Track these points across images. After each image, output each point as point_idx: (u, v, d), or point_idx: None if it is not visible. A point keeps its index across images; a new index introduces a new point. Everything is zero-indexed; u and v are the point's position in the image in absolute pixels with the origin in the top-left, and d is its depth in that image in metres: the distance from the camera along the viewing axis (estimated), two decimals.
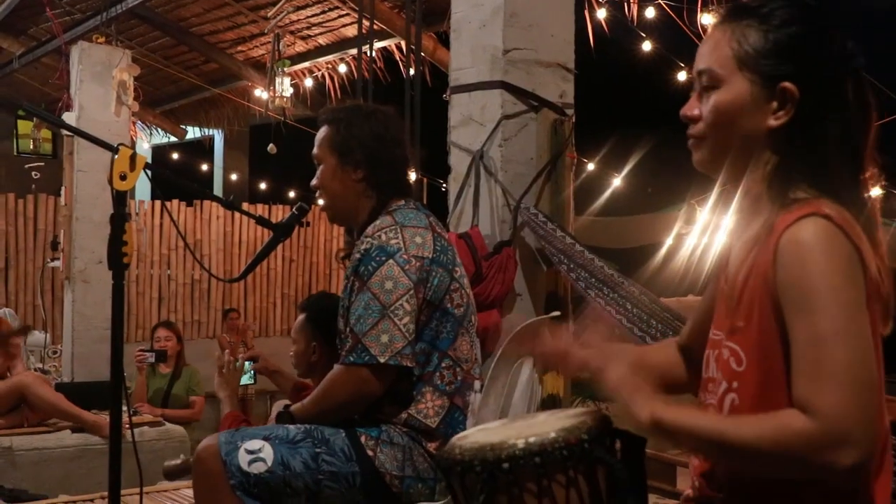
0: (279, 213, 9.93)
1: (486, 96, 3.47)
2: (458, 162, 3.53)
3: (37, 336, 7.14)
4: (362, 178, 2.31)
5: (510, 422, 1.53)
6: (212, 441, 2.13)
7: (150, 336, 6.38)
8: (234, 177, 10.99)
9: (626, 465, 1.36)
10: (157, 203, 9.93)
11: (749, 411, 1.27)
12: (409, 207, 2.29)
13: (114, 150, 2.13)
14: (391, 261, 2.12)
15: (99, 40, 6.79)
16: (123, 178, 2.11)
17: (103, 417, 4.97)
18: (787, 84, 1.31)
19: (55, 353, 7.10)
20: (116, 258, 2.08)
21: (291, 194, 10.48)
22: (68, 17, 7.24)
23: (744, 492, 1.31)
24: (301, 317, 2.83)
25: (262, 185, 11.13)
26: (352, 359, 2.09)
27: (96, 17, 6.73)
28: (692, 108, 1.40)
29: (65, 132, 6.48)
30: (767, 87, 1.32)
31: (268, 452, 2.07)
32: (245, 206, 10.21)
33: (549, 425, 1.35)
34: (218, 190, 11.30)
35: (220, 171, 11.08)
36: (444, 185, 4.65)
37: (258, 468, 2.06)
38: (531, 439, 1.30)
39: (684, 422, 1.27)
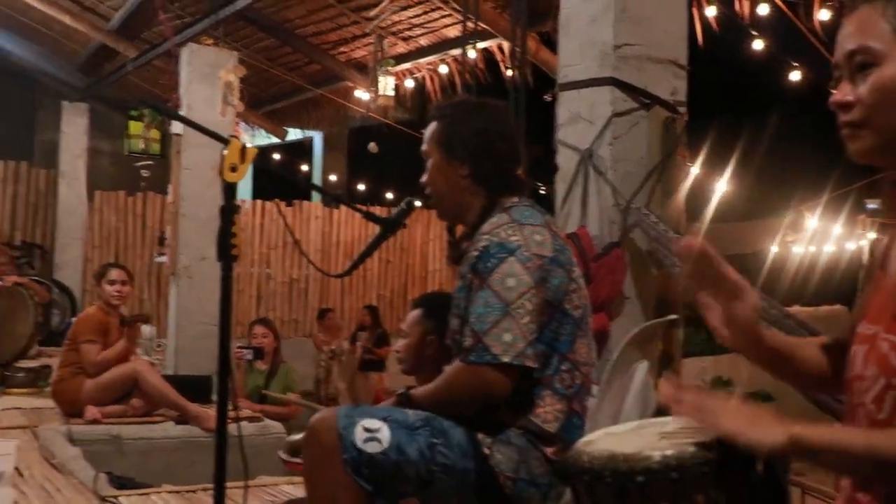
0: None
1: (595, 93, 3.37)
2: (566, 161, 3.43)
3: (144, 329, 7.31)
4: (468, 174, 2.24)
5: (639, 428, 1.42)
6: (329, 413, 2.09)
7: (248, 333, 6.44)
8: (332, 178, 11.12)
9: (770, 484, 1.24)
10: (258, 202, 10.14)
11: None
12: (524, 205, 2.20)
13: (225, 141, 2.11)
14: (512, 258, 2.04)
15: (207, 42, 6.95)
16: (234, 169, 2.08)
17: (206, 410, 5.05)
18: None
19: (160, 346, 7.27)
20: (226, 250, 2.06)
21: (389, 196, 10.53)
22: (179, 21, 7.43)
23: None
24: (417, 311, 2.79)
25: (361, 187, 11.22)
26: (473, 358, 2.01)
27: (205, 20, 6.88)
28: (845, 94, 1.26)
29: (174, 131, 6.65)
30: None
31: (385, 434, 2.01)
32: (342, 207, 10.33)
33: (685, 437, 1.24)
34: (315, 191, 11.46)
35: (318, 171, 11.23)
36: (544, 189, 4.53)
37: (373, 448, 1.99)
38: (668, 452, 1.19)
39: (829, 438, 1.14)
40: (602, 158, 3.28)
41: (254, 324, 6.43)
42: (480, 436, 2.06)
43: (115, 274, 5.33)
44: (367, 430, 2.01)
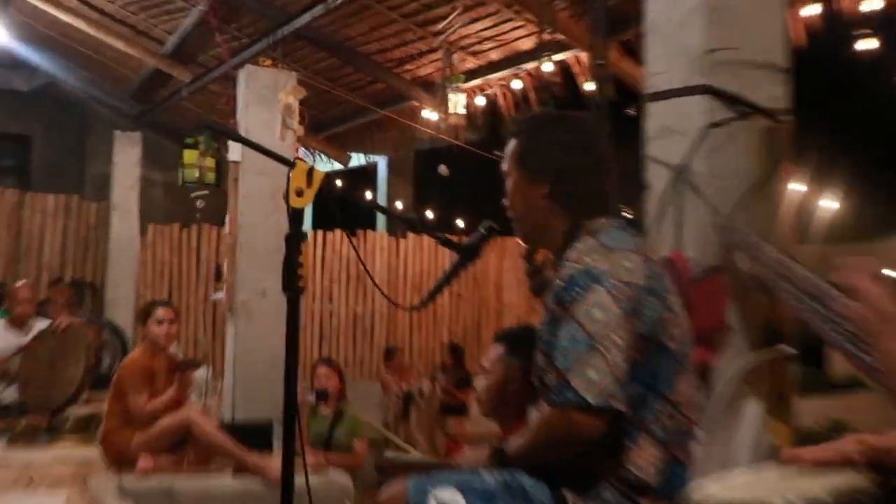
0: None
1: (687, 103, 3.32)
2: (657, 178, 3.38)
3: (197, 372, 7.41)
4: (547, 193, 2.22)
5: (755, 476, 1.38)
6: (400, 487, 2.08)
7: (309, 374, 6.47)
8: (398, 205, 11.21)
9: None
10: (320, 233, 10.24)
11: None
12: (613, 227, 2.17)
13: (290, 164, 2.13)
14: (599, 286, 2.01)
15: (265, 64, 7.10)
16: (300, 194, 2.10)
17: (267, 459, 5.08)
18: None
19: (216, 389, 7.35)
20: (292, 280, 2.08)
21: (460, 223, 10.56)
22: (236, 42, 7.62)
23: None
24: (500, 347, 2.78)
25: (429, 214, 11.28)
26: (556, 398, 1.98)
27: (263, 41, 7.05)
28: None
29: (231, 158, 6.78)
30: None
31: None
32: (411, 235, 10.39)
33: (811, 483, 1.19)
34: (381, 220, 11.54)
35: (383, 198, 11.33)
36: (627, 212, 4.53)
37: None
38: (792, 498, 1.15)
39: None
40: (697, 174, 3.23)
41: (317, 364, 6.46)
42: (567, 494, 2.02)
43: (162, 312, 5.36)
44: (441, 502, 2.00)
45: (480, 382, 2.78)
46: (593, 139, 2.31)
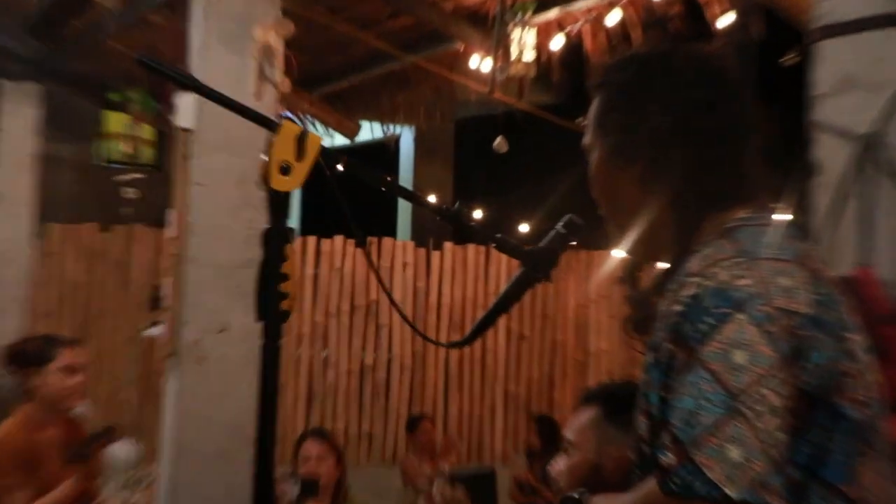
0: (503, 258, 10.00)
1: (880, 42, 3.37)
2: (831, 154, 3.42)
3: (119, 449, 7.41)
4: (640, 177, 2.23)
5: None
6: None
7: (292, 454, 6.54)
8: (430, 197, 11.27)
9: None
10: (310, 240, 10.29)
11: None
12: (759, 223, 2.16)
13: (272, 125, 2.14)
14: (741, 315, 1.98)
15: None
16: (286, 171, 2.11)
17: None
18: None
19: (147, 477, 7.39)
20: (271, 301, 2.09)
21: (523, 228, 10.57)
22: None
23: None
24: (591, 411, 2.82)
25: (475, 213, 11.33)
26: (675, 487, 1.97)
27: None
28: None
29: (181, 124, 6.82)
30: None
31: None
32: (448, 245, 10.42)
33: None
34: (405, 215, 11.62)
35: (408, 187, 11.38)
36: (781, 207, 4.58)
37: None
38: None
39: None
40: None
41: (303, 439, 6.52)
42: None
43: (70, 355, 5.26)
44: None
45: (559, 463, 2.80)
46: (724, 89, 2.28)
